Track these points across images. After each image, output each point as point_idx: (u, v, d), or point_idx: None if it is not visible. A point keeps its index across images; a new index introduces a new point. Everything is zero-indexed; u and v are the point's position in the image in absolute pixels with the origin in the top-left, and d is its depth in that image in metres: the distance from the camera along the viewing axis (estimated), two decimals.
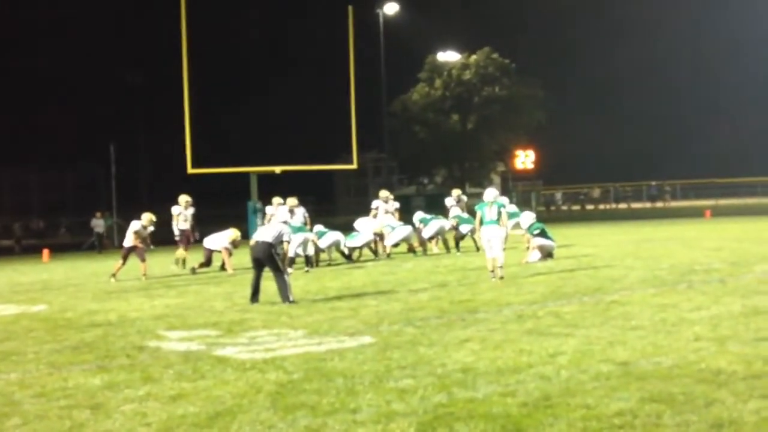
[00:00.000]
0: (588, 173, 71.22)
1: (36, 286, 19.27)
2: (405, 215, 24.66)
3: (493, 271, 15.27)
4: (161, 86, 52.38)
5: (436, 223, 22.79)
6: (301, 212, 20.37)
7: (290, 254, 17.08)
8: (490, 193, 15.87)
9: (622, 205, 61.35)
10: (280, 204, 20.82)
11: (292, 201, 20.36)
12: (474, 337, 9.39)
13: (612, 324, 9.84)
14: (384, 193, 23.82)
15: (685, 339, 8.72)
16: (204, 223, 24.45)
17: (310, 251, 19.81)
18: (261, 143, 34.10)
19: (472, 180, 61.65)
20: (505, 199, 20.11)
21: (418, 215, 23.40)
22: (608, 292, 12.86)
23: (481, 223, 15.55)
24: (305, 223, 20.29)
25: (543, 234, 19.19)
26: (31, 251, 37.74)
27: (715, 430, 5.74)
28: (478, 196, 22.73)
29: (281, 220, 14.12)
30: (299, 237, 18.78)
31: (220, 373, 8.15)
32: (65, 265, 27.28)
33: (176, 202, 21.90)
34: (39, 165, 63.51)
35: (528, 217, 20.06)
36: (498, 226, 15.37)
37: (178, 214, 21.77)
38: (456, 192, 24.50)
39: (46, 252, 31.57)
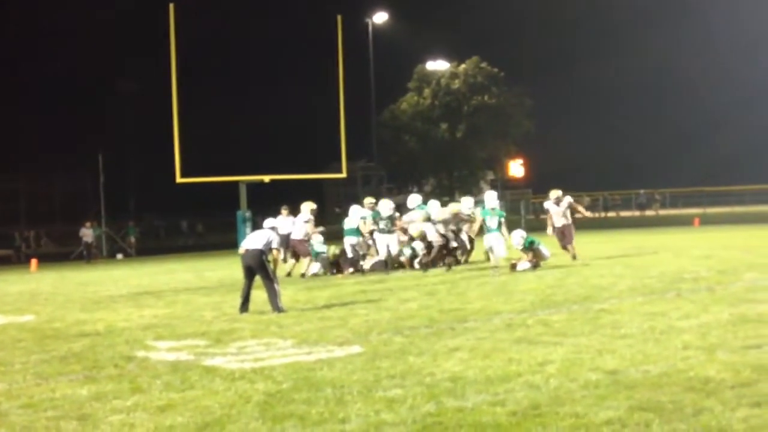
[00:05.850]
0: (577, 182, 71.40)
1: (24, 296, 19.16)
2: None
3: (495, 267, 17.07)
4: (149, 95, 52.33)
5: None
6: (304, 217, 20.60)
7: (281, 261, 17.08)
8: (492, 199, 17.94)
9: (611, 214, 61.46)
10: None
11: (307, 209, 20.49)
12: (463, 346, 9.39)
13: (601, 332, 9.84)
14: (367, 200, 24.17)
15: (674, 347, 8.73)
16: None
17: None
18: (250, 152, 34.10)
19: (462, 188, 61.73)
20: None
21: None
22: (597, 300, 12.87)
23: (483, 228, 17.69)
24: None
25: (534, 245, 18.87)
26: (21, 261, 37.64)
27: None
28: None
29: (269, 226, 14.02)
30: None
31: (208, 383, 8.12)
32: (53, 275, 27.16)
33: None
34: (27, 174, 63.22)
35: (518, 236, 19.02)
36: (499, 234, 17.63)
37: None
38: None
39: (34, 262, 31.44)
